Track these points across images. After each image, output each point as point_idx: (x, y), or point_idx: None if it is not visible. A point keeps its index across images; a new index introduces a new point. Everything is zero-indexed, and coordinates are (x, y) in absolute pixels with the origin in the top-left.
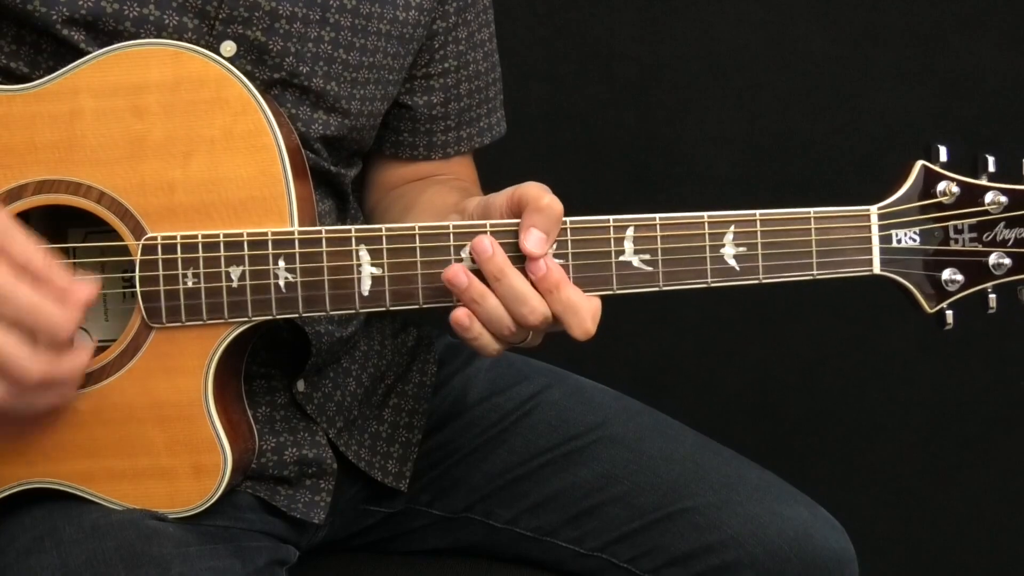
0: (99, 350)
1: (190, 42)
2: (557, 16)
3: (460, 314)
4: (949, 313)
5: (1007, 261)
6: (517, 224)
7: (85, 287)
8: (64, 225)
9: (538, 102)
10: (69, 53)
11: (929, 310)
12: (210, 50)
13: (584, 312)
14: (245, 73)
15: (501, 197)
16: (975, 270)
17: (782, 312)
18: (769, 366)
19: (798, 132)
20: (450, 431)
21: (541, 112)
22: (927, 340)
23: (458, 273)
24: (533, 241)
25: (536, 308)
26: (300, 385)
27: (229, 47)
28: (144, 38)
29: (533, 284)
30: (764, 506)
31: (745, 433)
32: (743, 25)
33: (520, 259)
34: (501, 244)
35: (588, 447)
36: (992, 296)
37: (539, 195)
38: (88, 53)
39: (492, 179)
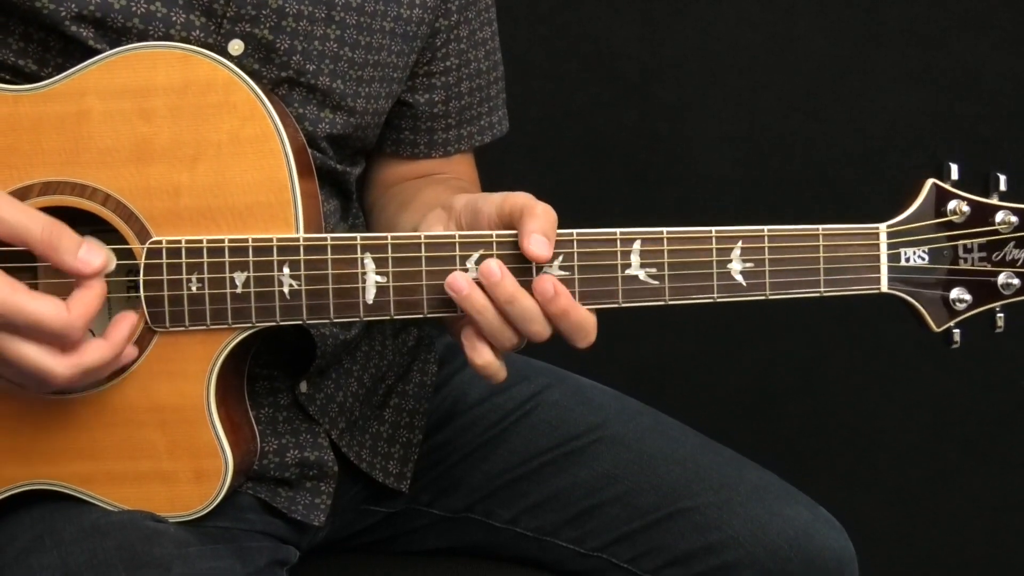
0: None
1: (198, 40)
2: (558, 16)
3: (469, 331)
4: (956, 332)
5: (1016, 281)
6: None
7: (92, 262)
8: (69, 225)
9: (539, 102)
10: (77, 51)
11: (936, 329)
12: (218, 48)
13: (589, 327)
14: (252, 72)
15: (490, 206)
16: (984, 290)
17: (782, 313)
18: (769, 366)
19: (799, 132)
20: (450, 431)
21: (542, 112)
22: (927, 341)
23: (458, 279)
24: (536, 244)
25: (546, 326)
26: (303, 386)
27: (237, 45)
28: (152, 35)
29: (540, 305)
30: (764, 506)
31: (745, 433)
32: (743, 25)
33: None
34: (506, 255)
35: (588, 447)
36: (1000, 316)
37: (533, 203)
38: (97, 50)
39: (493, 179)
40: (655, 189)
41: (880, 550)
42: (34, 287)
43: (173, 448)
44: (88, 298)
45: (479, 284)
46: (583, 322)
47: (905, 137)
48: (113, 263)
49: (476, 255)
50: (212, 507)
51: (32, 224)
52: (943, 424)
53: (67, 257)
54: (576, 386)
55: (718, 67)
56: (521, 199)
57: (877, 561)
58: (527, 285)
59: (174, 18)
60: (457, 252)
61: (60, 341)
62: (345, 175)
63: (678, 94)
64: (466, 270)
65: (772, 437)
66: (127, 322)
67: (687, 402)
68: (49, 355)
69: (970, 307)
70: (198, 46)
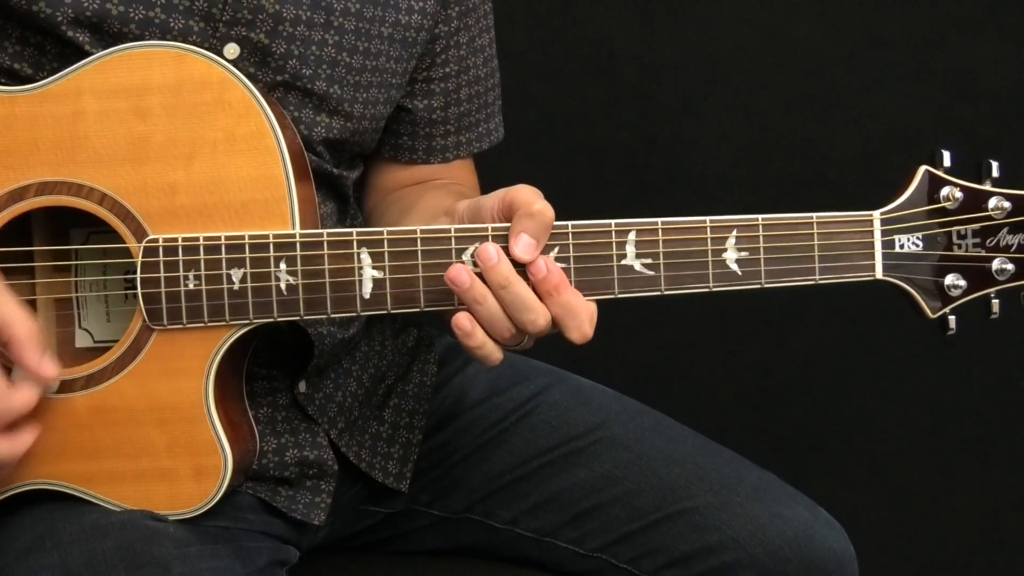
0: (101, 350)
1: (194, 44)
2: (557, 17)
3: (462, 318)
4: (952, 319)
5: (1010, 267)
6: None
7: (48, 373)
8: (66, 225)
9: (538, 103)
10: (74, 55)
11: (932, 316)
12: (213, 52)
13: (583, 315)
14: (248, 75)
15: (492, 199)
16: (978, 275)
17: (782, 312)
18: (769, 366)
19: (798, 132)
20: (450, 431)
21: (541, 113)
22: (927, 340)
23: (460, 272)
24: (522, 247)
25: (540, 314)
26: (302, 386)
27: (233, 49)
28: (148, 39)
29: (532, 286)
30: (764, 507)
31: (745, 434)
32: (743, 25)
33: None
34: (501, 248)
35: (588, 448)
36: (995, 301)
37: (531, 200)
38: (93, 53)
39: (492, 181)
40: (654, 190)
41: (880, 550)
42: (32, 303)
43: (172, 446)
44: (34, 396)
45: (478, 275)
46: (575, 305)
47: (905, 137)
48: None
49: (472, 248)
50: (212, 504)
51: (19, 315)
52: (943, 424)
53: (35, 356)
54: (576, 386)
55: (717, 67)
56: (523, 194)
57: (877, 561)
58: (522, 274)
59: (172, 24)
60: (453, 245)
61: None
62: (342, 179)
63: (677, 95)
64: (462, 263)
65: (772, 437)
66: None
67: (687, 402)
68: None
69: (965, 293)
70: None
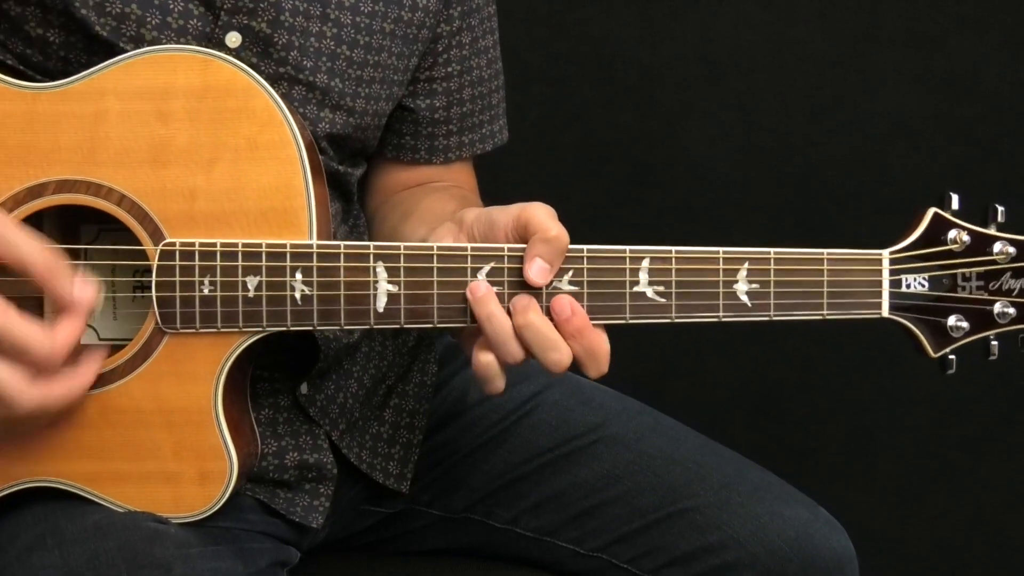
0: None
1: (195, 29)
2: (557, 17)
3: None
4: (952, 359)
5: (1011, 311)
6: None
7: (85, 297)
8: (77, 222)
9: (538, 104)
10: (80, 41)
11: (934, 355)
12: (216, 40)
13: (603, 356)
14: (250, 65)
15: (506, 216)
16: (980, 318)
17: None
18: (769, 366)
19: (798, 133)
20: (450, 431)
21: (541, 114)
22: None
23: (481, 289)
24: (536, 271)
25: (566, 354)
26: (304, 388)
27: (234, 38)
28: (149, 21)
29: (556, 324)
30: (764, 506)
31: (745, 433)
32: (743, 26)
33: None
34: (515, 268)
35: (588, 447)
36: (994, 344)
37: (547, 226)
38: (102, 37)
39: (492, 180)
40: (654, 190)
41: (880, 550)
42: (39, 300)
43: (179, 449)
44: (75, 330)
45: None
46: (596, 347)
47: (905, 137)
48: (102, 298)
49: (487, 267)
50: (216, 509)
51: (34, 249)
52: (943, 424)
53: (65, 286)
54: (576, 386)
55: (717, 67)
56: (539, 216)
57: (877, 561)
58: (537, 297)
59: (171, 6)
60: (468, 264)
61: (38, 368)
62: (346, 176)
63: (677, 96)
64: (478, 281)
65: (772, 437)
66: (97, 360)
67: (687, 402)
68: (21, 380)
69: (966, 334)
70: (196, 36)
